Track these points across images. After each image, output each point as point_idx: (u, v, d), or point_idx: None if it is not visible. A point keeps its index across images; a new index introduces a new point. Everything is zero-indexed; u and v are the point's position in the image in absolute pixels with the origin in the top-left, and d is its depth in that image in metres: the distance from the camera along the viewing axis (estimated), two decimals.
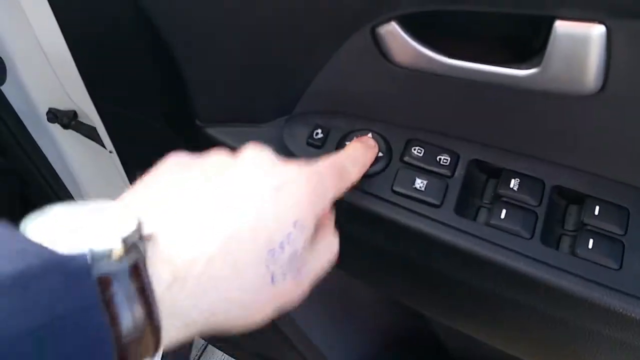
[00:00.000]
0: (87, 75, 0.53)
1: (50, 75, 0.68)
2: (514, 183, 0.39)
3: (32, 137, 0.75)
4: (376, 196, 0.41)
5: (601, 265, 0.36)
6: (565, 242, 0.38)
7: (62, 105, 0.75)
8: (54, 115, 0.77)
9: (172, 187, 0.28)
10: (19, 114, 0.73)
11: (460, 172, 0.41)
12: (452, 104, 0.40)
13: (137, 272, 0.22)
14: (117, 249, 0.21)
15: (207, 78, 0.43)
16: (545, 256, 0.37)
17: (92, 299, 0.20)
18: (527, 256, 0.37)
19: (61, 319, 0.19)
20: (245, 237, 0.27)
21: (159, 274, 0.24)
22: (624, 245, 0.36)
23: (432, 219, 0.39)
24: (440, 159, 0.41)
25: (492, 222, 0.38)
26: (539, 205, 0.38)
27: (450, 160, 0.41)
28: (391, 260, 0.44)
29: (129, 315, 0.21)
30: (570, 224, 0.39)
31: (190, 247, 0.25)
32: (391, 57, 0.38)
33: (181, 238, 0.25)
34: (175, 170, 0.30)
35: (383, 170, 0.41)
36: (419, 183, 0.40)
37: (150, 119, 0.51)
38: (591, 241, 0.36)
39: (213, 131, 0.45)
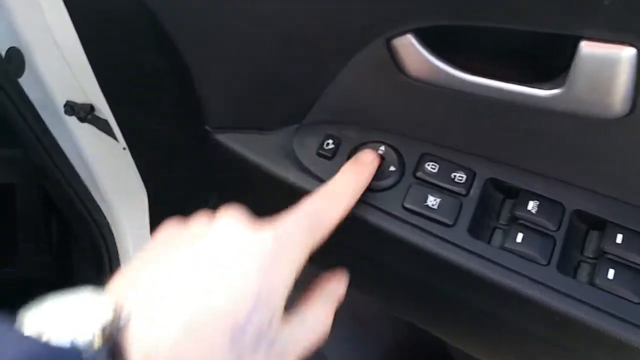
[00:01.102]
0: (99, 72, 0.53)
1: (67, 69, 0.68)
2: (532, 205, 0.37)
3: (49, 129, 0.75)
4: (386, 212, 0.39)
5: (621, 297, 0.34)
6: (584, 271, 0.36)
7: (80, 98, 0.75)
8: (71, 108, 0.76)
9: (149, 270, 0.29)
10: (37, 106, 0.73)
11: (475, 191, 0.39)
12: (469, 120, 0.38)
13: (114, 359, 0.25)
14: (97, 339, 0.25)
15: (218, 84, 0.42)
16: (561, 284, 0.35)
17: None
18: (542, 283, 0.35)
19: None
20: (206, 319, 0.27)
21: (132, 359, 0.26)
22: None
23: (444, 239, 0.38)
24: (455, 176, 0.39)
25: (508, 245, 0.36)
26: (558, 229, 0.37)
27: (466, 178, 0.39)
28: (399, 279, 0.43)
29: None
30: (589, 251, 0.37)
31: (156, 332, 0.26)
32: (406, 70, 0.36)
33: (149, 323, 0.26)
34: (159, 249, 0.31)
35: (394, 185, 0.40)
36: (432, 201, 0.39)
37: (161, 121, 0.51)
38: (612, 271, 0.35)
39: (222, 137, 0.44)
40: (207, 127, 0.44)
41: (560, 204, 0.37)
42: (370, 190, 0.39)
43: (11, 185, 0.97)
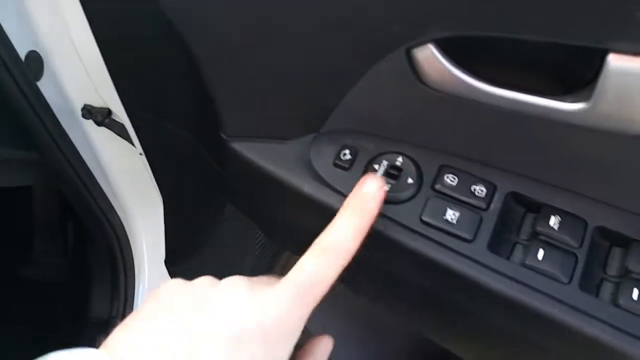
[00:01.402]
0: (117, 78, 0.53)
1: (85, 73, 0.68)
2: (554, 221, 0.36)
3: (66, 132, 0.75)
4: (403, 225, 0.38)
5: None
6: (607, 289, 0.35)
7: (97, 102, 0.75)
8: (88, 111, 0.76)
9: (148, 330, 0.30)
10: (54, 109, 0.73)
11: (496, 205, 0.38)
12: (490, 132, 0.37)
13: None
14: None
15: (235, 92, 0.42)
16: (583, 303, 0.34)
17: None
18: (563, 302, 0.34)
19: None
20: None
21: None
22: None
23: (463, 255, 0.37)
24: (475, 189, 0.38)
25: (528, 262, 0.35)
26: (580, 246, 0.35)
27: (487, 191, 0.38)
28: (415, 292, 0.42)
29: None
30: (613, 269, 0.36)
31: None
32: (427, 80, 0.35)
33: None
34: (161, 310, 0.32)
35: (412, 197, 0.39)
36: (451, 214, 0.38)
37: (177, 127, 0.50)
38: (636, 291, 0.33)
39: (238, 146, 0.44)
40: (222, 135, 0.44)
41: (583, 219, 0.36)
42: (387, 202, 0.39)
43: (28, 187, 0.98)
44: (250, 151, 0.44)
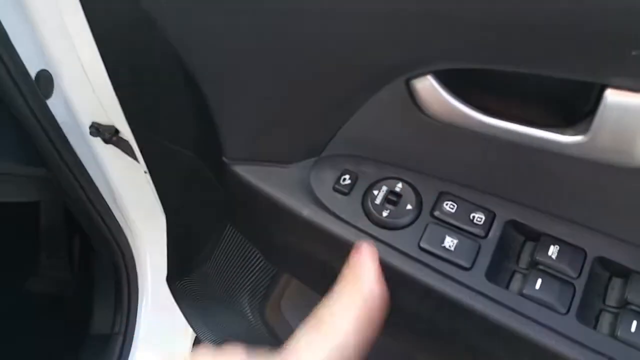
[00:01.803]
0: (122, 98, 0.53)
1: (93, 92, 0.69)
2: (552, 250, 0.36)
3: (73, 149, 0.77)
4: (401, 251, 0.38)
5: None
6: (606, 320, 0.35)
7: (105, 120, 0.77)
8: (96, 129, 0.78)
9: None
10: (63, 126, 0.74)
11: (495, 233, 0.38)
12: (489, 161, 0.37)
13: None
14: None
15: (236, 116, 0.42)
16: (580, 335, 0.34)
17: None
18: (560, 333, 0.34)
19: None
20: None
21: None
22: None
23: (460, 283, 0.37)
24: (474, 217, 0.38)
25: (526, 292, 0.35)
26: (579, 277, 0.35)
27: (485, 219, 0.38)
28: (411, 319, 0.42)
29: None
30: (612, 300, 0.36)
31: None
32: (425, 110, 0.36)
33: None
34: None
35: (411, 224, 0.39)
36: (449, 242, 0.38)
37: (182, 148, 0.51)
38: (635, 323, 0.33)
39: (239, 169, 0.44)
40: (224, 159, 0.44)
41: (583, 249, 0.36)
42: (385, 228, 0.39)
43: (36, 203, 0.99)
44: (251, 175, 0.44)
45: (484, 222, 0.38)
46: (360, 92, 0.37)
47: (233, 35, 0.38)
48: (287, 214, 0.42)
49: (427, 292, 0.37)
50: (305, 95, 0.39)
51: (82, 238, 1.02)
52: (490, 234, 0.38)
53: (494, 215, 0.38)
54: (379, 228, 0.39)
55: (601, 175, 0.33)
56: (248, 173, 0.44)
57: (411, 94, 0.35)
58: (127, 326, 0.89)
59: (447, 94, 0.34)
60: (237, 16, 0.37)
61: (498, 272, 0.37)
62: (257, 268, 0.55)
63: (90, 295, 0.98)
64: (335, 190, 0.41)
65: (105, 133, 0.77)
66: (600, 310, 0.35)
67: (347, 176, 0.41)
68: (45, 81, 0.69)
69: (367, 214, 0.40)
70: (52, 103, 0.72)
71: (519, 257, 0.38)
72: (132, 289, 0.90)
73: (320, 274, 0.43)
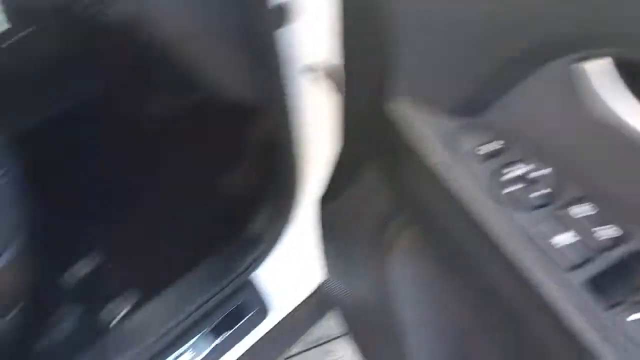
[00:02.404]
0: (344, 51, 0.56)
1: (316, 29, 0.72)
2: None
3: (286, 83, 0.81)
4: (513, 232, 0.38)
5: None
6: None
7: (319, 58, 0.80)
8: (309, 66, 0.82)
9: None
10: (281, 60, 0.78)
11: (620, 252, 0.35)
12: None
13: None
14: None
15: (410, 63, 0.44)
16: None
17: None
18: None
19: None
20: None
21: None
22: None
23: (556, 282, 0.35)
24: (606, 227, 0.35)
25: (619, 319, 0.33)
26: None
27: (618, 235, 0.35)
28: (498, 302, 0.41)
29: None
30: None
31: None
32: (590, 99, 0.33)
33: None
34: None
35: (537, 208, 0.38)
36: (567, 237, 0.36)
37: (364, 84, 0.54)
38: None
39: (395, 106, 0.46)
40: (386, 96, 0.46)
41: None
42: (502, 204, 0.38)
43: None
44: (405, 115, 0.45)
45: (615, 237, 0.35)
46: (527, 61, 0.35)
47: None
48: (422, 162, 0.43)
49: (521, 277, 0.36)
50: (476, 53, 0.39)
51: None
52: (615, 251, 0.35)
53: (630, 237, 0.35)
54: (495, 202, 0.39)
55: None
56: (402, 114, 0.45)
57: (579, 78, 0.33)
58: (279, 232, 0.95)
59: (619, 84, 0.31)
60: None
61: (602, 291, 0.34)
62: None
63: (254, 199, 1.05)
64: (475, 154, 0.41)
65: (319, 70, 0.81)
66: None
67: (490, 144, 0.41)
68: (279, 13, 0.74)
69: (493, 186, 0.40)
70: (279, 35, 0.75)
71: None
72: (292, 201, 0.96)
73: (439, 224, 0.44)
